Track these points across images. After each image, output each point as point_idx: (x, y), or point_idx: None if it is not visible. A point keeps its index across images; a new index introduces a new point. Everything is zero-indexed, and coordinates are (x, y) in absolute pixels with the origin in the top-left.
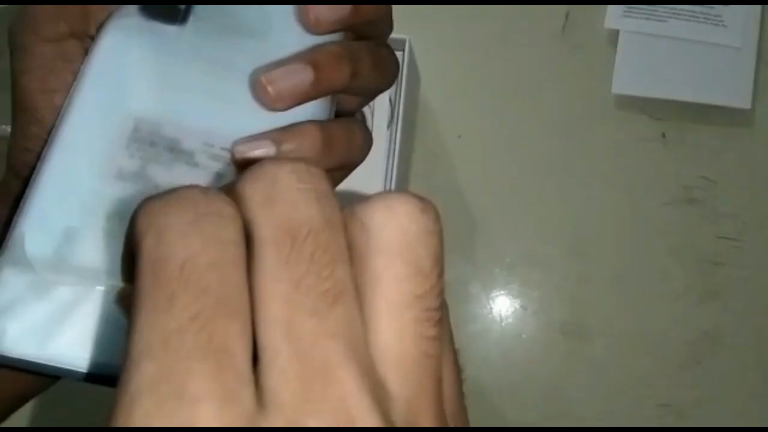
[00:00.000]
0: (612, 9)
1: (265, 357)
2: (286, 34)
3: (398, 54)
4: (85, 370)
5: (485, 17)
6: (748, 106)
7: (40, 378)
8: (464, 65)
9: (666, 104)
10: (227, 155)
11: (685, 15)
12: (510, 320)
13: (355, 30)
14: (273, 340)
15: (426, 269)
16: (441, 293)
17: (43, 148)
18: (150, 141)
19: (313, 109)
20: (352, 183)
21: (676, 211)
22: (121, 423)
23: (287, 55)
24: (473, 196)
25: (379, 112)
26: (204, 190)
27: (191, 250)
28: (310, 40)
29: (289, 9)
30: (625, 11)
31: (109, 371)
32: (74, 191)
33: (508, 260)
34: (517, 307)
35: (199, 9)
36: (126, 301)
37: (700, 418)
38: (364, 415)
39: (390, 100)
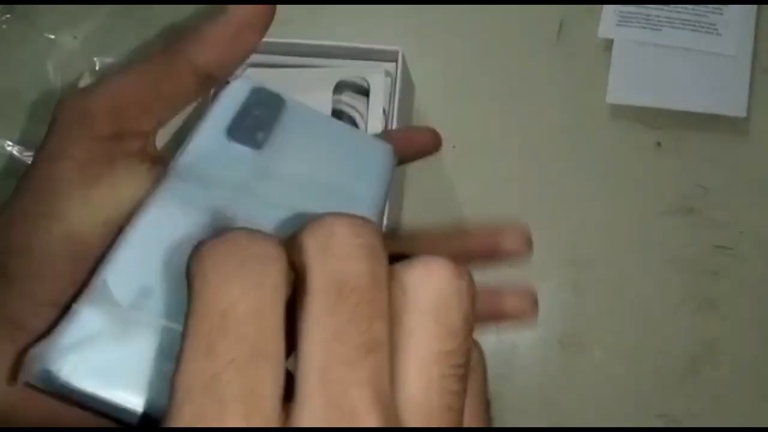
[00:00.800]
0: (606, 18)
1: (299, 396)
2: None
3: (391, 65)
4: (142, 412)
5: (478, 27)
6: (743, 114)
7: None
8: (458, 75)
9: (661, 113)
10: None
11: (679, 23)
12: (505, 332)
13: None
14: (308, 381)
15: (455, 328)
16: (468, 351)
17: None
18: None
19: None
20: None
21: (672, 221)
22: None
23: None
24: (468, 206)
25: (372, 122)
26: (250, 232)
27: (232, 297)
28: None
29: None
30: (618, 20)
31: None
32: (152, 255)
33: (503, 270)
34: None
35: (275, 135)
36: None
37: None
38: None
39: (384, 110)
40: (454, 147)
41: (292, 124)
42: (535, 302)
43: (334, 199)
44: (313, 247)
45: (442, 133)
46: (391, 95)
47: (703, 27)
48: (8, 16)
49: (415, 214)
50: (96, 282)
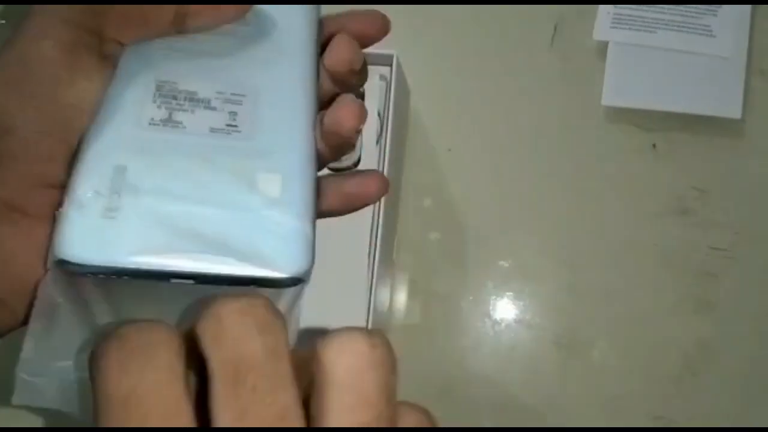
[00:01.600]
0: (600, 20)
1: None
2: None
3: (386, 69)
4: (141, 268)
5: (473, 30)
6: (738, 116)
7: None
8: (453, 79)
9: (656, 115)
10: (238, 98)
11: (673, 25)
12: (502, 334)
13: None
14: None
15: (372, 399)
16: (391, 417)
17: None
18: (172, 96)
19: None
20: None
21: (668, 222)
22: None
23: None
24: (464, 210)
25: (367, 126)
26: (137, 326)
27: (129, 383)
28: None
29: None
30: (613, 22)
31: (156, 268)
32: (119, 138)
33: (500, 273)
34: (510, 320)
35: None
36: None
37: None
38: None
39: (379, 114)
40: (449, 150)
41: None
42: (380, 19)
43: (263, 54)
44: (206, 337)
45: (437, 137)
46: (386, 99)
47: (697, 29)
48: (3, 22)
49: (410, 216)
50: (78, 173)
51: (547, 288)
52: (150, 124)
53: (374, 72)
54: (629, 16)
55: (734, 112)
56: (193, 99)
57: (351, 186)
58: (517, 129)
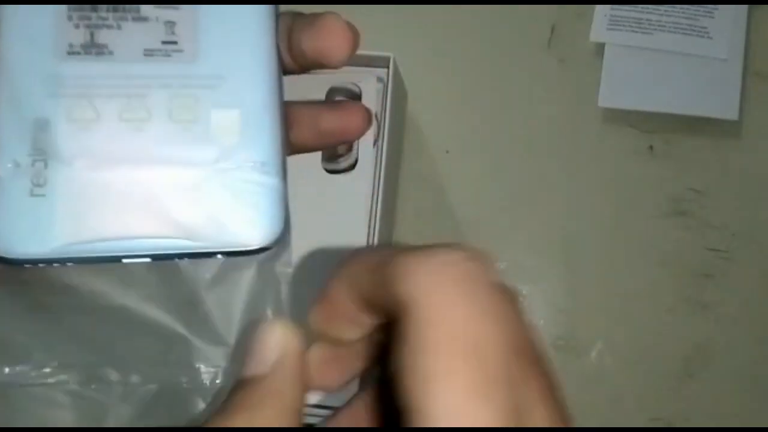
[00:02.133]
0: (597, 22)
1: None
2: None
3: (383, 71)
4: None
5: (470, 32)
6: (735, 117)
7: None
8: (450, 81)
9: (653, 117)
10: None
11: (670, 27)
12: None
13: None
14: None
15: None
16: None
17: None
18: (90, 6)
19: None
20: (341, 196)
21: (665, 224)
22: None
23: None
24: (462, 211)
25: None
26: (466, 253)
27: (473, 332)
28: None
29: None
30: (610, 24)
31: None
32: (33, 80)
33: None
34: None
35: None
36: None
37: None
38: None
39: (376, 116)
40: (447, 152)
41: None
42: (362, 113)
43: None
44: (419, 309)
45: (435, 138)
46: (383, 101)
47: (694, 30)
48: None
49: (408, 218)
50: None
51: (545, 289)
52: (69, 53)
53: (371, 74)
54: (626, 17)
55: (731, 113)
56: (116, 9)
57: (328, 121)
58: (514, 130)
